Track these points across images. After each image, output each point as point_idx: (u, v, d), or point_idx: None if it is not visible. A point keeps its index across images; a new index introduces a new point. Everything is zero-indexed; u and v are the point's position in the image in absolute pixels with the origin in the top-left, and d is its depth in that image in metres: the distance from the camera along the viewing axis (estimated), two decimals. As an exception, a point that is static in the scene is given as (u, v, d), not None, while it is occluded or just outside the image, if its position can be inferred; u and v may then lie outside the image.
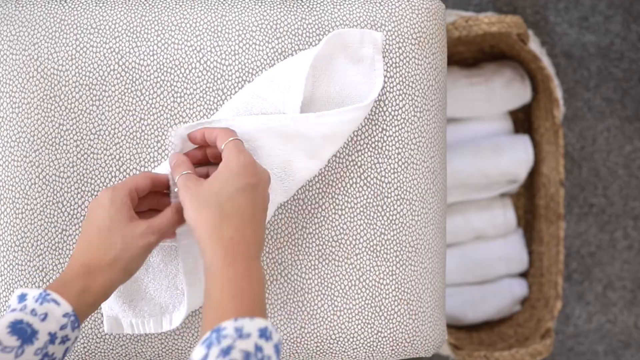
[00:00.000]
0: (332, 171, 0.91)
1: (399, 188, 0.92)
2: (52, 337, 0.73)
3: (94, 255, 0.78)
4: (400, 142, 0.92)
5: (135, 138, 0.90)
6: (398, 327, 0.93)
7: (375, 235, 0.92)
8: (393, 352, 0.94)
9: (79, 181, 0.90)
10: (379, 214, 0.92)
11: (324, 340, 0.93)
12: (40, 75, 0.90)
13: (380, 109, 0.91)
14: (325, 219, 0.91)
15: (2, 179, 0.90)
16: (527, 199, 1.45)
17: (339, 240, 0.92)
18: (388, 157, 0.92)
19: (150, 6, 0.92)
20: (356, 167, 0.91)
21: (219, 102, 0.90)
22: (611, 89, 1.47)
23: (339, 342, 0.93)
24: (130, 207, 0.80)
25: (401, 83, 0.92)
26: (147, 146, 0.90)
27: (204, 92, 0.90)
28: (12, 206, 0.90)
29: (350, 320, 0.92)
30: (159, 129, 0.90)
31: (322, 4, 0.93)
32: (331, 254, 0.92)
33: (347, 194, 0.91)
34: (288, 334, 0.93)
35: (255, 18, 0.91)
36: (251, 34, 0.91)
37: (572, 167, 1.48)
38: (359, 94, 0.90)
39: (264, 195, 0.79)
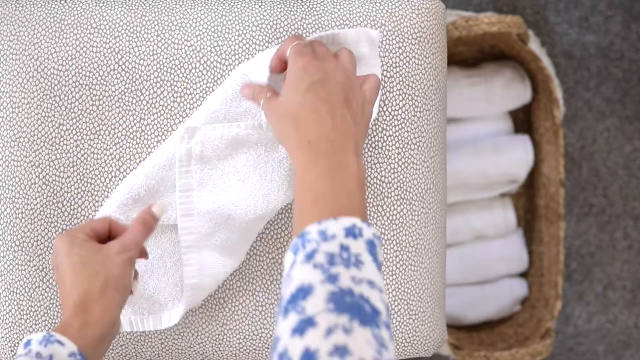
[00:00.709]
0: (332, 171, 0.91)
1: (399, 188, 0.92)
2: None
3: (82, 290, 0.75)
4: (400, 142, 0.92)
5: (135, 138, 0.90)
6: (398, 327, 0.93)
7: (375, 235, 0.92)
8: (393, 352, 0.94)
9: (79, 181, 0.90)
10: (379, 214, 0.92)
11: (324, 340, 0.93)
12: (40, 75, 0.90)
13: (380, 109, 0.91)
14: (325, 219, 0.91)
15: (2, 179, 0.90)
16: (527, 199, 1.45)
17: (339, 240, 0.92)
18: (388, 157, 0.92)
19: (150, 6, 0.92)
20: (356, 167, 0.91)
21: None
22: (611, 89, 1.47)
23: (339, 342, 0.93)
24: (93, 239, 0.78)
25: (401, 83, 0.92)
26: (147, 146, 0.90)
27: (204, 92, 0.90)
28: (12, 206, 0.90)
29: (350, 320, 0.92)
30: (159, 129, 0.90)
31: (322, 3, 0.93)
32: (331, 254, 0.92)
33: (347, 194, 0.91)
34: (288, 334, 0.93)
35: (255, 18, 0.91)
36: (251, 34, 0.91)
37: (572, 167, 1.48)
38: None
39: (339, 84, 0.76)
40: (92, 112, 0.90)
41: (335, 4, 0.93)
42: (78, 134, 0.90)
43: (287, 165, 0.88)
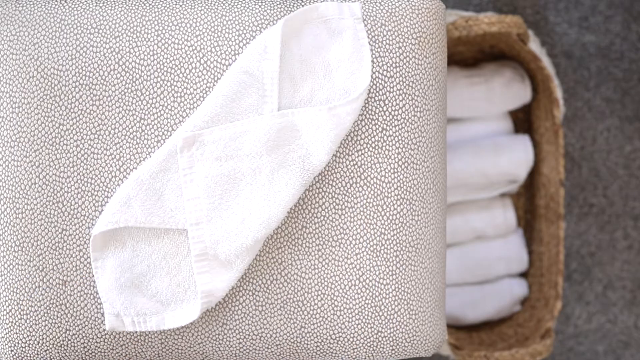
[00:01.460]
0: (332, 171, 0.91)
1: (399, 188, 0.92)
2: None
3: None
4: (400, 142, 0.92)
5: (135, 138, 0.90)
6: (398, 327, 0.93)
7: (375, 235, 0.92)
8: (393, 352, 0.94)
9: (79, 181, 0.90)
10: (379, 214, 0.92)
11: (324, 340, 0.93)
12: (40, 75, 0.90)
13: (380, 109, 0.91)
14: (325, 219, 0.91)
15: (2, 179, 0.90)
16: (527, 199, 1.45)
17: (339, 240, 0.92)
18: (388, 157, 0.92)
19: (150, 6, 0.92)
20: (356, 167, 0.91)
21: (219, 102, 0.90)
22: (611, 89, 1.47)
23: (339, 342, 0.93)
24: None
25: (401, 83, 0.92)
26: (147, 146, 0.90)
27: (204, 92, 0.90)
28: (12, 206, 0.90)
29: (350, 320, 0.92)
30: (159, 129, 0.90)
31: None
32: (331, 254, 0.92)
33: (347, 194, 0.91)
34: (288, 334, 0.93)
35: (255, 18, 0.91)
36: (251, 34, 0.91)
37: (572, 167, 1.48)
38: (347, 66, 0.90)
39: None
40: (92, 112, 0.90)
41: (335, 4, 0.93)
42: (78, 134, 0.90)
43: (292, 160, 0.88)
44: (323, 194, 0.91)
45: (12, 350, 0.91)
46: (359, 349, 0.94)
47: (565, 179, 1.47)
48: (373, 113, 0.91)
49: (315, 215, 0.91)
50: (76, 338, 0.91)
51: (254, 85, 0.88)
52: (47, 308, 0.90)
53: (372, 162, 0.92)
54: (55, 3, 0.91)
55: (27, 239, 0.90)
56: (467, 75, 1.38)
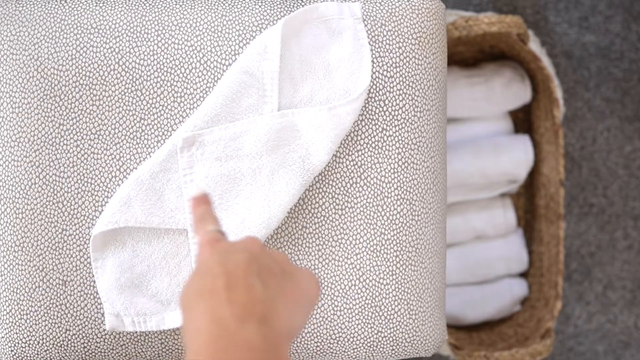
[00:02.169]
0: (332, 171, 0.91)
1: (399, 188, 0.92)
2: None
3: None
4: (400, 142, 0.92)
5: (135, 138, 0.90)
6: (398, 327, 0.93)
7: (375, 235, 0.92)
8: (393, 352, 0.94)
9: (79, 181, 0.90)
10: (379, 214, 0.92)
11: (324, 340, 0.93)
12: (40, 75, 0.90)
13: (380, 109, 0.91)
14: (325, 219, 0.91)
15: (2, 179, 0.90)
16: (527, 199, 1.45)
17: (339, 240, 0.92)
18: (388, 157, 0.92)
19: (150, 6, 0.92)
20: (356, 167, 0.91)
21: (219, 102, 0.90)
22: (611, 89, 1.47)
23: (339, 342, 0.93)
24: None
25: (401, 83, 0.92)
26: (147, 146, 0.90)
27: (204, 92, 0.90)
28: (12, 206, 0.90)
29: (350, 320, 0.93)
30: (159, 129, 0.90)
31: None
32: (331, 254, 0.92)
33: (347, 194, 0.91)
34: (288, 334, 0.93)
35: (255, 18, 0.91)
36: (251, 34, 0.91)
37: (572, 167, 1.48)
38: (347, 66, 0.90)
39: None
40: (92, 112, 0.90)
41: (335, 4, 0.93)
42: (78, 134, 0.90)
43: (292, 160, 0.88)
44: (323, 194, 0.91)
45: (12, 350, 0.91)
46: (359, 349, 0.94)
47: (565, 179, 1.47)
48: (373, 113, 0.91)
49: (315, 215, 0.91)
50: (76, 338, 0.91)
51: (254, 85, 0.88)
52: (47, 308, 0.90)
53: (372, 162, 0.92)
54: (55, 3, 0.91)
55: (27, 239, 0.90)
56: (467, 75, 1.38)
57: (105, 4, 0.92)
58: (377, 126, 0.91)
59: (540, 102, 1.37)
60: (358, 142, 0.91)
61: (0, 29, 0.90)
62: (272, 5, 0.92)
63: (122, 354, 0.92)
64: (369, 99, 0.91)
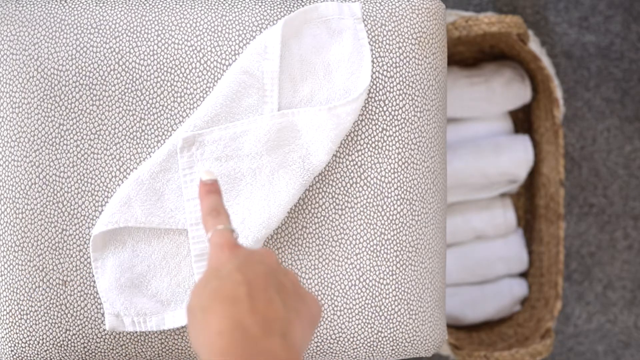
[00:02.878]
0: (332, 171, 0.91)
1: (399, 188, 0.92)
2: None
3: None
4: (400, 142, 0.92)
5: (135, 138, 0.90)
6: (398, 327, 0.93)
7: (375, 235, 0.92)
8: (393, 352, 0.94)
9: (79, 181, 0.90)
10: (379, 214, 0.92)
11: (324, 340, 0.93)
12: (40, 75, 0.90)
13: (380, 109, 0.91)
14: (325, 219, 0.91)
15: (2, 179, 0.90)
16: (527, 199, 1.45)
17: (339, 240, 0.92)
18: (388, 157, 0.92)
19: (150, 6, 0.92)
20: (356, 167, 0.91)
21: (219, 102, 0.90)
22: (611, 89, 1.47)
23: (339, 342, 0.93)
24: None
25: (401, 83, 0.92)
26: (147, 146, 0.90)
27: (204, 92, 0.90)
28: (12, 206, 0.90)
29: (350, 320, 0.93)
30: (159, 129, 0.90)
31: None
32: (331, 254, 0.92)
33: (347, 194, 0.91)
34: (288, 334, 0.93)
35: (255, 18, 0.91)
36: (251, 34, 0.91)
37: (572, 167, 1.48)
38: (347, 66, 0.90)
39: (263, 266, 0.61)
40: (92, 112, 0.90)
41: (335, 4, 0.93)
42: (78, 134, 0.90)
43: (292, 160, 0.88)
44: (323, 194, 0.91)
45: (12, 350, 0.91)
46: (359, 349, 0.94)
47: (565, 179, 1.47)
48: (373, 113, 0.91)
49: (315, 215, 0.91)
50: (76, 338, 0.91)
51: (254, 85, 0.88)
52: (47, 308, 0.90)
53: (372, 162, 0.92)
54: (55, 3, 0.91)
55: (27, 239, 0.90)
56: (467, 75, 1.38)
57: (105, 4, 0.92)
58: (377, 126, 0.91)
59: (540, 102, 1.37)
60: (358, 142, 0.91)
61: (0, 29, 0.90)
62: (272, 5, 0.92)
63: (122, 354, 0.92)
64: (369, 99, 0.91)
